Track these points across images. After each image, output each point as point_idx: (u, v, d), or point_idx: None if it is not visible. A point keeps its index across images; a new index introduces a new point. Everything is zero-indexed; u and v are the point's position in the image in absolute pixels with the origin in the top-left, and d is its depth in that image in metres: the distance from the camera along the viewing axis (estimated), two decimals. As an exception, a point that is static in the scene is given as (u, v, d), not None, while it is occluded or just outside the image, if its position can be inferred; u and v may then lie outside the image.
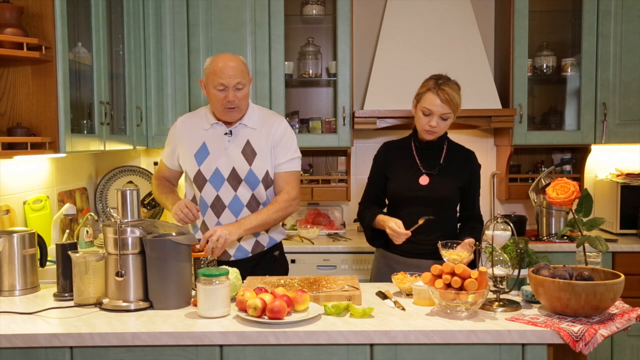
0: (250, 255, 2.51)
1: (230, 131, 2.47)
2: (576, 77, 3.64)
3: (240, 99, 2.39)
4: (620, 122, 3.55)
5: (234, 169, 2.44)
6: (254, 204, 2.48)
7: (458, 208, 2.62)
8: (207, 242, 2.24)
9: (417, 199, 2.49)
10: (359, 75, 3.85)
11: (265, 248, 2.55)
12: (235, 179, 2.45)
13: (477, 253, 2.13)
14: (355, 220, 3.82)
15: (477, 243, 2.11)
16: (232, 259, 2.49)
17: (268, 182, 2.49)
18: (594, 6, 3.50)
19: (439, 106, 2.40)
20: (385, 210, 2.66)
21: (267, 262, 2.56)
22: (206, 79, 2.42)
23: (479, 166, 2.61)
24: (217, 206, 2.46)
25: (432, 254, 2.45)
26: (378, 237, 2.59)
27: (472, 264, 2.36)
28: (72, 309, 2.02)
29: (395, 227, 2.39)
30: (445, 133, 2.55)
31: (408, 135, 2.62)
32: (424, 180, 2.49)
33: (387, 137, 3.83)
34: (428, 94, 2.42)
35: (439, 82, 2.41)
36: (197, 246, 2.21)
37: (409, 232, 2.39)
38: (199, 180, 2.47)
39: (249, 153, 2.46)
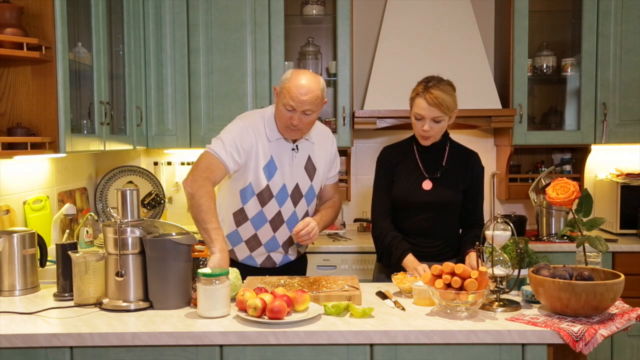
0: (291, 260, 2.57)
1: (297, 146, 2.42)
2: (576, 77, 3.64)
3: (306, 124, 2.32)
4: (620, 122, 3.55)
5: (297, 185, 2.43)
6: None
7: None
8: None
9: (421, 203, 2.47)
10: (359, 75, 3.85)
11: (302, 253, 2.63)
12: (297, 195, 2.44)
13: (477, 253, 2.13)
14: (355, 220, 3.82)
15: (478, 243, 2.10)
16: (277, 266, 2.52)
17: (317, 196, 2.55)
18: (594, 6, 3.50)
19: (428, 110, 2.35)
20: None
21: (299, 261, 2.63)
22: (280, 91, 2.31)
23: (482, 168, 2.56)
24: (276, 221, 2.43)
25: (433, 257, 2.45)
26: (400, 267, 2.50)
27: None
28: (72, 309, 2.02)
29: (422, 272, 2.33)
30: (447, 134, 2.53)
31: (408, 138, 2.58)
32: (427, 185, 2.47)
33: (387, 137, 3.83)
34: (417, 99, 2.39)
35: (428, 85, 2.36)
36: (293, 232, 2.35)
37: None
38: (265, 196, 2.38)
39: (310, 169, 2.46)
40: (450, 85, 2.41)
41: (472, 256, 2.37)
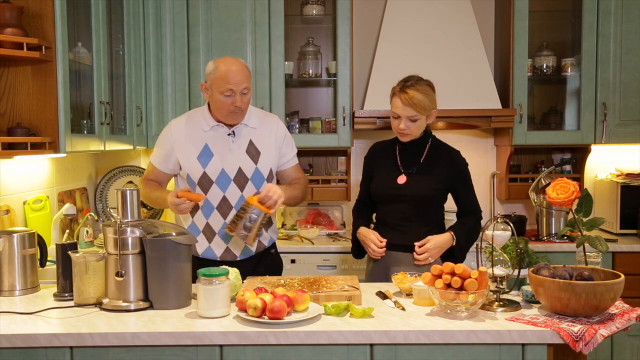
0: (253, 254, 2.54)
1: (233, 132, 2.48)
2: (576, 77, 3.64)
3: (246, 103, 2.42)
4: (620, 122, 3.55)
5: (240, 168, 2.46)
6: None
7: (456, 206, 2.63)
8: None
9: (396, 197, 2.53)
10: (359, 75, 3.85)
11: (266, 247, 2.59)
12: (242, 179, 2.47)
13: (477, 252, 2.13)
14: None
15: (478, 244, 2.11)
16: (237, 259, 2.51)
17: (270, 180, 2.53)
18: (594, 6, 3.51)
19: (402, 109, 2.44)
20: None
21: (266, 259, 2.60)
22: (210, 83, 2.40)
23: (465, 164, 2.58)
24: (224, 207, 2.46)
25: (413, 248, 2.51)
26: (361, 250, 2.65)
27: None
28: (72, 309, 2.02)
29: (375, 239, 2.52)
30: (429, 132, 2.57)
31: (395, 136, 2.63)
32: (401, 179, 2.54)
33: (387, 137, 3.82)
34: (394, 98, 2.49)
35: (406, 85, 2.45)
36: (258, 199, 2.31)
37: (382, 251, 2.51)
38: (205, 183, 2.45)
39: (253, 152, 2.49)
40: (428, 86, 2.49)
41: (430, 239, 2.46)
